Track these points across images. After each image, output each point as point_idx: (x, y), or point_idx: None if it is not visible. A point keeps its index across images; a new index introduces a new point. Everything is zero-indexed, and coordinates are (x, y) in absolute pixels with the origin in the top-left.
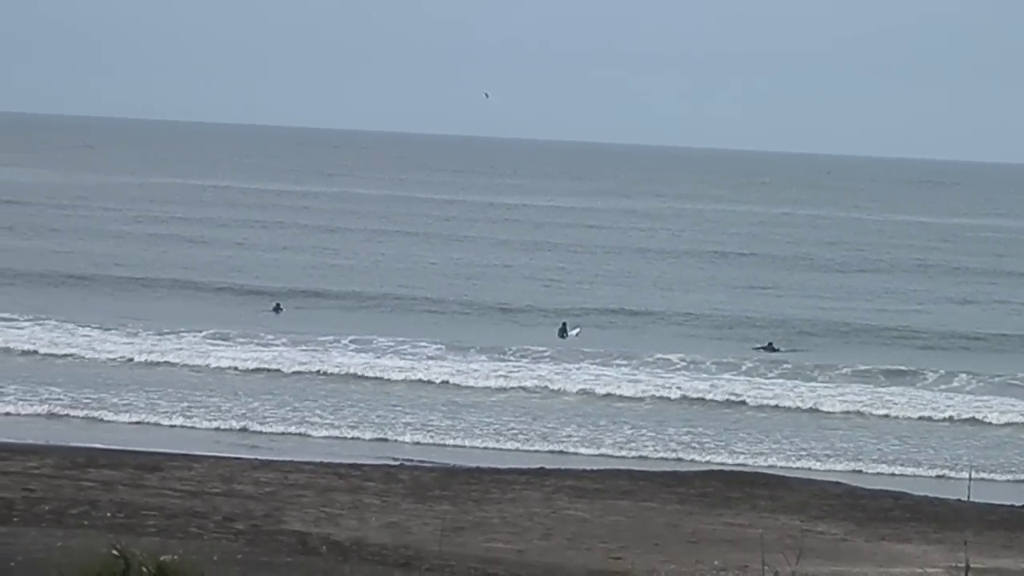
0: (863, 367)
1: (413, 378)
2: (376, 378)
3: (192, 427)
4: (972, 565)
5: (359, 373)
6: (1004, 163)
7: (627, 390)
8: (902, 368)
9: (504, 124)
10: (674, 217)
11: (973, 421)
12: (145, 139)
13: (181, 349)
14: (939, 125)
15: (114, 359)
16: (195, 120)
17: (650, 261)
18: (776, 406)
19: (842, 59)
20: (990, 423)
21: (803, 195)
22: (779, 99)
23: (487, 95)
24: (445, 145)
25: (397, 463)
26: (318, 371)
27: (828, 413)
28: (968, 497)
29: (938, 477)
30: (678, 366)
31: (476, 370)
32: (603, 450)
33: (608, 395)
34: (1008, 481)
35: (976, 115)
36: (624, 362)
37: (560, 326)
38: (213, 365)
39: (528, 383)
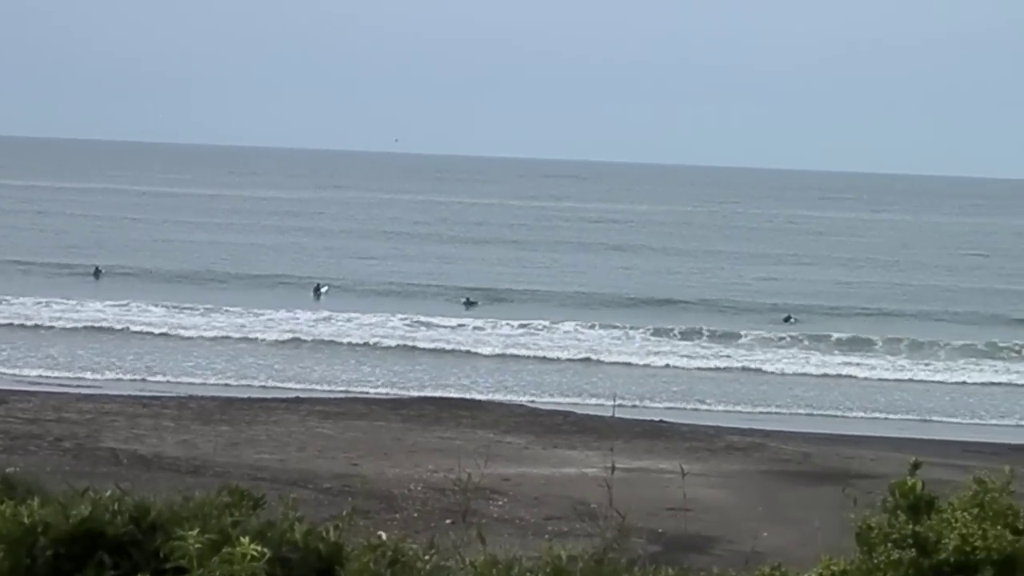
0: (536, 320)
1: (208, 334)
2: (172, 335)
3: (28, 373)
4: (619, 465)
5: (159, 331)
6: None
7: (362, 338)
8: (565, 321)
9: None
10: (391, 205)
11: (628, 363)
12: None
13: (15, 311)
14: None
15: None
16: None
17: (380, 240)
18: (471, 352)
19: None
20: (641, 364)
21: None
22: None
23: (396, 140)
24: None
25: (187, 396)
26: (126, 328)
27: (518, 356)
28: (614, 415)
29: (595, 403)
30: (401, 319)
31: (250, 324)
32: (343, 384)
33: (349, 343)
34: (647, 406)
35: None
36: (360, 316)
37: (315, 287)
38: (43, 324)
39: (289, 334)
